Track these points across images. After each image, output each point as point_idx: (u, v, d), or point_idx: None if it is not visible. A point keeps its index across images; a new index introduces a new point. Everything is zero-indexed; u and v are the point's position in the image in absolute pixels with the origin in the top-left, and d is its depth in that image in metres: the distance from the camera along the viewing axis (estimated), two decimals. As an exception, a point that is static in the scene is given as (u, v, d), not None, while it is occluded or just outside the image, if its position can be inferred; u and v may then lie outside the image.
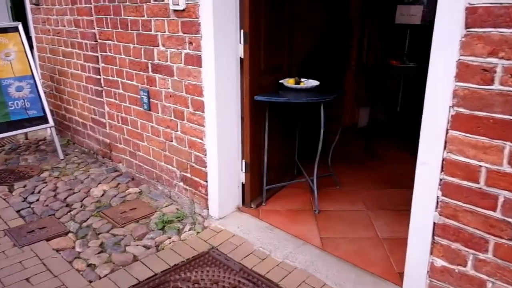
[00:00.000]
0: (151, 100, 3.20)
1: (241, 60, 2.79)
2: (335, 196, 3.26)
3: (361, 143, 4.40)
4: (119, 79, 3.47)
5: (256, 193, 3.11)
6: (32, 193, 3.41)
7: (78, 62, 3.92)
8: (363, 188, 3.41)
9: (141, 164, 3.53)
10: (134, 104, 3.39)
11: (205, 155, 2.88)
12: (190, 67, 2.78)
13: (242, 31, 2.71)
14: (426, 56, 1.74)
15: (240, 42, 2.74)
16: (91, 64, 3.74)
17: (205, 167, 2.91)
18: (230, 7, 2.64)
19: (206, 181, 2.94)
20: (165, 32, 2.88)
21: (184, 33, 2.74)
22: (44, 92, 4.41)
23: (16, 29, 3.96)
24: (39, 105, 4.02)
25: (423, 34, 4.12)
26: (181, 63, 2.84)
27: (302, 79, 3.12)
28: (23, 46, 3.99)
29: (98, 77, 3.69)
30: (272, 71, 3.07)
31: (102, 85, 3.69)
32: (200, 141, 2.89)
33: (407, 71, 3.84)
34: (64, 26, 3.94)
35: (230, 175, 2.97)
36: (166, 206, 3.19)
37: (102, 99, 3.75)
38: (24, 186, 3.53)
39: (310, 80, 3.13)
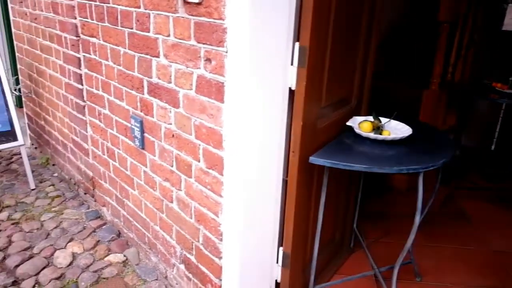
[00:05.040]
0: (145, 135, 2.10)
1: (291, 92, 1.65)
2: (417, 302, 2.12)
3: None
4: (105, 94, 2.38)
5: (296, 296, 2.00)
6: (-27, 251, 2.39)
7: (57, 61, 2.84)
8: (456, 283, 2.25)
9: (130, 219, 2.46)
10: (123, 134, 2.30)
11: (221, 240, 1.78)
12: (205, 98, 1.66)
13: (297, 45, 1.57)
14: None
15: (292, 64, 1.60)
16: (71, 68, 2.66)
17: (220, 257, 1.81)
18: (280, 4, 1.49)
19: (220, 279, 1.84)
20: (169, 36, 1.76)
21: (198, 42, 1.62)
22: (21, 94, 3.38)
23: (-23, 12, 2.90)
24: (5, 116, 2.98)
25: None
26: (191, 89, 1.72)
27: (382, 120, 1.96)
28: (-14, 35, 2.93)
29: (80, 86, 2.61)
30: (336, 106, 1.93)
31: (85, 98, 2.61)
32: (213, 216, 1.78)
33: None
34: (42, 11, 2.86)
35: (258, 271, 1.87)
36: (158, 297, 2.12)
37: (84, 118, 2.67)
38: (-33, 237, 2.51)
39: (395, 123, 1.97)
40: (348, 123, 1.92)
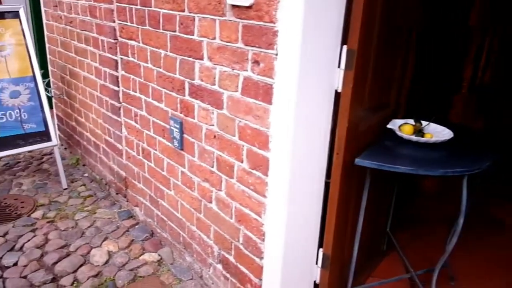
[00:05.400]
0: (185, 136, 2.14)
1: (337, 94, 1.68)
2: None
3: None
4: (142, 96, 2.43)
5: (334, 297, 2.01)
6: (12, 248, 2.44)
7: (92, 64, 2.90)
8: (490, 287, 2.25)
9: (165, 219, 2.50)
10: (161, 135, 2.34)
11: (263, 240, 1.80)
12: (251, 100, 1.69)
13: (345, 47, 1.59)
14: None
15: (339, 66, 1.63)
16: (108, 70, 2.71)
17: (261, 257, 1.83)
18: (330, 8, 1.52)
19: (260, 279, 1.87)
20: (214, 39, 1.79)
21: (246, 45, 1.65)
22: (52, 96, 3.44)
23: (16, 15, 2.98)
24: (40, 117, 3.04)
25: None
26: (236, 91, 1.75)
27: (423, 123, 1.97)
28: (23, 38, 3.01)
29: (116, 88, 2.66)
30: (376, 109, 1.94)
31: (120, 100, 2.66)
32: (255, 217, 1.80)
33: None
34: (78, 14, 2.93)
35: (299, 272, 1.88)
36: (195, 296, 2.14)
37: (119, 119, 2.72)
38: (5, 234, 2.56)
39: (434, 126, 1.98)
40: (388, 126, 1.94)
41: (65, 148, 3.78)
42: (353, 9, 1.53)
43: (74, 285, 2.18)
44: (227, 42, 1.74)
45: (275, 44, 1.53)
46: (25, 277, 2.21)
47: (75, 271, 2.27)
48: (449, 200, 3.15)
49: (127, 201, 2.89)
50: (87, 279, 2.21)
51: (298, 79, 1.51)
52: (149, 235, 2.61)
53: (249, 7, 1.59)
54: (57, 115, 3.77)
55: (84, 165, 3.47)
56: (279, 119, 1.59)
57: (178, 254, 2.43)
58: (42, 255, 2.38)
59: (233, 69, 1.74)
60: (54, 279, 2.21)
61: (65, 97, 3.48)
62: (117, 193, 3.01)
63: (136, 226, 2.70)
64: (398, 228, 2.72)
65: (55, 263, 2.32)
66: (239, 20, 1.65)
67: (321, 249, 1.90)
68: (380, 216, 2.32)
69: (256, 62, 1.63)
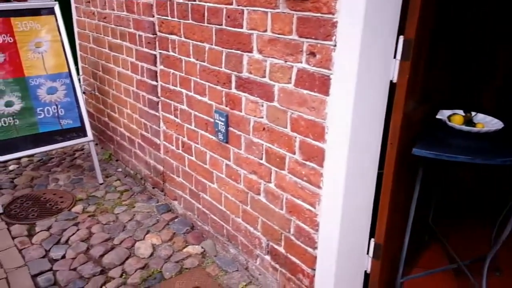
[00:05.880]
0: (230, 129, 2.16)
1: (392, 85, 1.68)
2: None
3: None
4: (183, 90, 2.44)
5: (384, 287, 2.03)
6: (58, 242, 2.48)
7: (128, 59, 2.93)
8: (538, 279, 2.25)
9: (206, 212, 2.52)
10: (203, 129, 2.36)
11: (316, 230, 1.81)
12: (305, 91, 1.70)
13: (401, 38, 1.59)
14: None
15: (395, 57, 1.63)
16: (145, 65, 2.74)
17: (314, 248, 1.85)
18: (390, -4, 1.53)
19: (314, 269, 1.88)
20: (265, 31, 1.80)
21: (301, 37, 1.66)
22: (85, 92, 3.48)
23: (51, 11, 3.01)
24: (76, 113, 3.08)
25: None
26: (289, 83, 1.76)
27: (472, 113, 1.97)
28: (59, 34, 3.04)
29: (154, 83, 2.69)
30: (425, 100, 1.94)
31: (159, 94, 2.68)
32: (309, 207, 1.82)
33: None
34: (113, 10, 2.95)
35: (351, 262, 1.90)
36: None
37: (157, 114, 2.74)
38: (49, 228, 2.61)
39: (481, 116, 1.98)
40: (438, 116, 1.94)
41: (96, 144, 3.81)
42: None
43: (123, 277, 2.21)
44: (279, 34, 1.75)
45: (333, 35, 1.54)
46: (74, 269, 2.25)
47: (122, 263, 2.31)
48: (484, 192, 3.14)
49: (165, 195, 2.92)
50: (135, 271, 2.25)
51: (358, 70, 1.52)
52: (189, 228, 2.64)
53: (306, -1, 1.60)
54: (88, 111, 3.81)
55: (117, 160, 3.51)
56: (337, 110, 1.60)
57: (221, 247, 2.45)
58: (88, 248, 2.43)
59: (285, 61, 1.75)
60: (103, 271, 2.25)
61: (97, 93, 3.52)
62: (153, 187, 3.04)
63: (176, 220, 2.73)
64: (438, 220, 2.73)
65: (102, 255, 2.36)
66: (293, 12, 1.66)
67: (372, 239, 1.91)
68: (424, 207, 2.32)
69: (311, 54, 1.64)
